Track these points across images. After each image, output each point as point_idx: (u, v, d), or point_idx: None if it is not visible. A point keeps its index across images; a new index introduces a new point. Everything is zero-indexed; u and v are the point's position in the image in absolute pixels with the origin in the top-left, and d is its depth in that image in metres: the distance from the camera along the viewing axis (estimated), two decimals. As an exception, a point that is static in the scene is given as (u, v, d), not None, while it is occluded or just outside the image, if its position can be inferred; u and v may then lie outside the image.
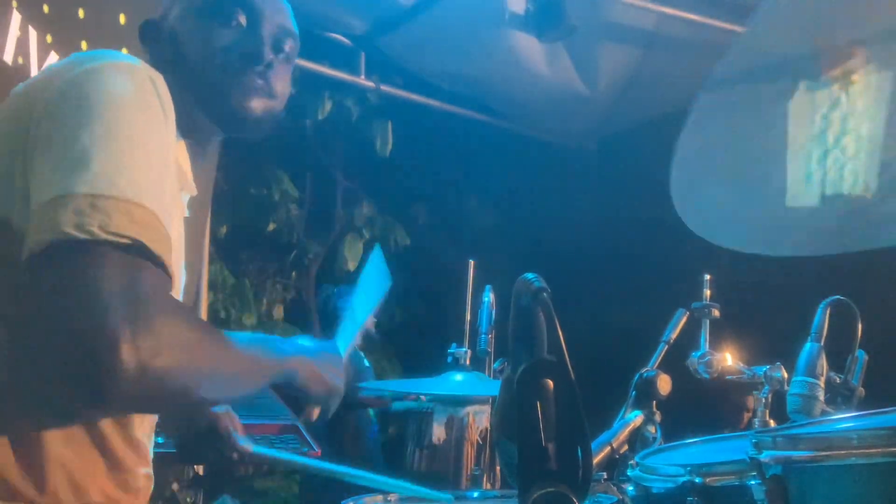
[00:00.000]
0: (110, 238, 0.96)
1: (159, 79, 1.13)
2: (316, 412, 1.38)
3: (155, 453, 1.32)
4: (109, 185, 0.98)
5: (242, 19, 1.31)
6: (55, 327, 0.96)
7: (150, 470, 1.27)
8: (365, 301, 1.65)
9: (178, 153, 1.25)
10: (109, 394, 0.95)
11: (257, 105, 1.30)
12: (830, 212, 1.45)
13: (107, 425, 1.15)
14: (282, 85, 1.34)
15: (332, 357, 1.37)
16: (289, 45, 1.36)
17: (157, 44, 1.35)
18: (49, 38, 2.64)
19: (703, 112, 1.49)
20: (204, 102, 1.28)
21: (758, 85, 1.44)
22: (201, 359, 1.04)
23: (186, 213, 1.32)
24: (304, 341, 1.34)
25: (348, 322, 1.58)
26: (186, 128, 1.26)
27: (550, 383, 0.77)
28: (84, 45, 2.80)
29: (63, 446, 1.10)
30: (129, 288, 0.95)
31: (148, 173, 1.04)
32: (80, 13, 2.81)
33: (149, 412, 1.20)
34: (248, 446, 1.59)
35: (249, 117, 1.30)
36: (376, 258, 1.69)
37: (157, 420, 1.31)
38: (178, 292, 1.26)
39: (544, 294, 0.84)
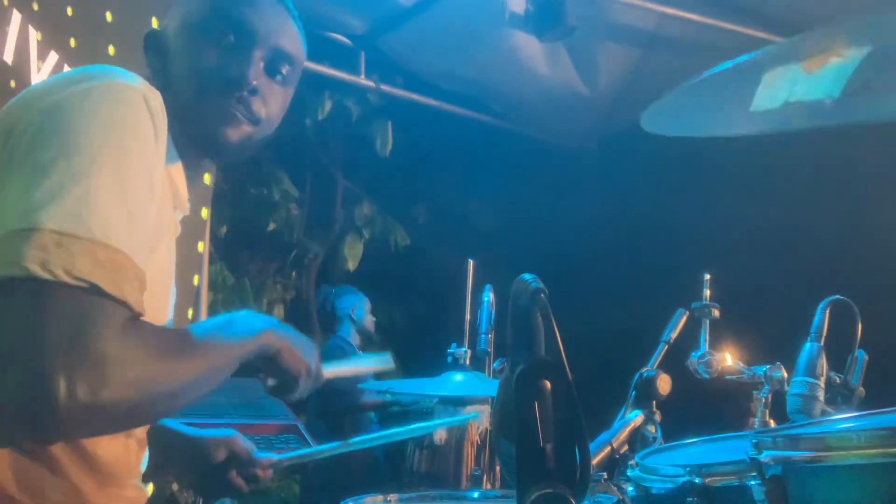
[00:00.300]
0: (70, 281, 0.94)
1: (155, 97, 1.11)
2: (271, 381, 1.32)
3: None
4: (78, 224, 0.96)
5: (232, 39, 1.25)
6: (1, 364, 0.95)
7: (139, 482, 1.26)
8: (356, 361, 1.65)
9: (173, 172, 1.23)
10: (48, 429, 0.95)
11: (233, 133, 1.25)
12: (788, 110, 1.48)
13: (87, 443, 1.14)
14: (269, 109, 1.29)
15: (306, 341, 1.32)
16: (285, 69, 1.30)
17: (153, 56, 1.30)
18: (39, 37, 2.64)
19: (682, 92, 1.51)
20: (182, 124, 1.22)
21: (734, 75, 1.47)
22: (158, 381, 1.02)
23: (178, 231, 1.31)
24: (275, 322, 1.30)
25: (337, 363, 1.54)
26: (181, 144, 1.24)
27: (548, 384, 0.77)
28: (72, 42, 2.81)
29: (47, 464, 1.10)
30: (78, 328, 0.94)
31: (124, 208, 1.01)
32: (69, 11, 2.81)
33: (101, 435, 1.15)
34: (269, 458, 1.60)
35: (224, 145, 1.26)
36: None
37: (145, 437, 1.31)
38: (166, 314, 1.25)
39: (542, 295, 0.84)
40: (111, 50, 2.93)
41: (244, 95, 1.24)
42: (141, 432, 1.28)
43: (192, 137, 1.25)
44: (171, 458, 1.52)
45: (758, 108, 1.50)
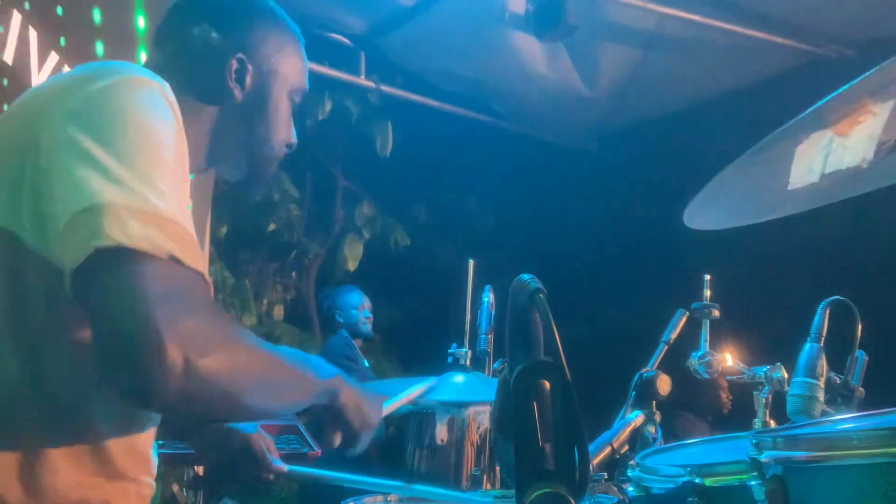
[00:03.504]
0: (156, 252, 0.97)
1: (170, 91, 1.14)
2: (338, 440, 1.34)
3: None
4: (143, 201, 0.99)
5: (297, 101, 1.40)
6: (102, 333, 0.97)
7: (151, 479, 1.27)
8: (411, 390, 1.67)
9: None
10: (157, 393, 0.95)
11: (272, 170, 1.42)
12: (826, 182, 1.46)
13: (110, 436, 1.15)
14: None
15: (374, 395, 1.36)
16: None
17: (220, 85, 1.32)
18: (36, 36, 2.65)
19: (718, 183, 1.51)
20: (250, 168, 1.37)
21: (770, 151, 1.45)
22: (247, 364, 1.05)
23: None
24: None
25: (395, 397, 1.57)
26: (202, 155, 1.31)
27: (547, 384, 0.77)
28: (63, 41, 2.81)
29: (65, 456, 1.10)
30: (175, 293, 0.96)
31: (173, 187, 1.04)
32: (60, 10, 2.82)
33: (195, 416, 1.19)
34: (283, 466, 1.61)
35: (265, 180, 1.42)
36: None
37: (156, 430, 1.32)
38: None
39: (540, 295, 0.83)
40: (100, 48, 2.94)
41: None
42: (154, 427, 1.29)
43: (249, 176, 1.39)
44: (189, 436, 1.56)
45: (795, 185, 1.48)
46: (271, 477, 1.61)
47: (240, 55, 1.32)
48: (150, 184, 1.01)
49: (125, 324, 0.94)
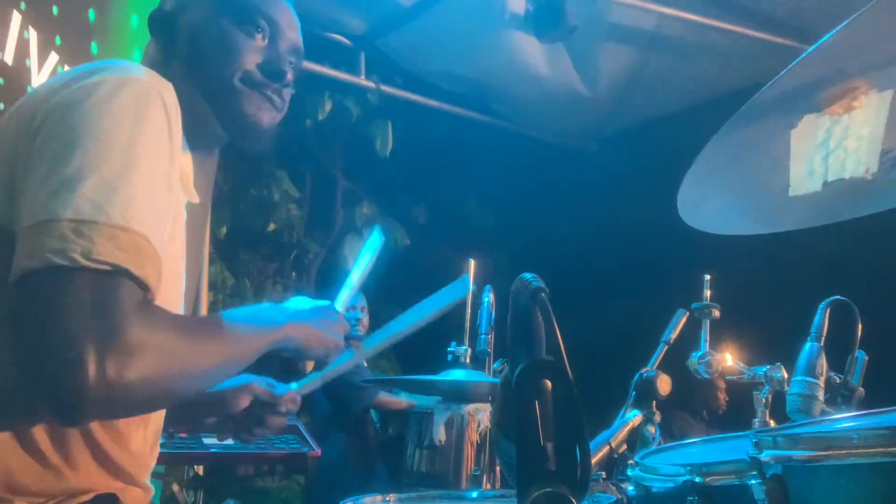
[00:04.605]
0: (91, 265, 0.96)
1: (168, 90, 1.12)
2: (310, 365, 1.41)
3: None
4: (96, 211, 0.98)
5: (265, 33, 1.32)
6: (28, 351, 0.97)
7: (148, 480, 1.27)
8: (356, 268, 1.69)
9: (182, 162, 1.24)
10: (79, 410, 0.96)
11: (267, 118, 1.32)
12: (829, 190, 1.46)
13: (104, 438, 1.15)
14: (286, 99, 1.37)
15: (328, 314, 1.40)
16: (295, 61, 1.38)
17: (171, 40, 1.32)
18: (28, 35, 2.65)
19: (708, 154, 1.49)
20: (219, 110, 1.29)
21: (759, 125, 1.44)
22: (181, 362, 1.04)
23: (184, 216, 1.32)
24: (299, 304, 1.37)
25: (343, 287, 1.61)
26: (194, 135, 1.26)
27: (549, 383, 0.77)
28: (58, 40, 2.81)
29: (60, 457, 1.11)
30: (102, 310, 0.96)
31: (141, 194, 1.02)
32: (55, 10, 2.82)
33: (127, 416, 1.19)
34: (292, 391, 1.59)
35: (259, 129, 1.32)
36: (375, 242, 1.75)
37: (160, 431, 1.32)
38: (180, 299, 1.26)
39: (542, 294, 0.83)
40: (94, 48, 2.94)
41: (280, 87, 1.32)
42: (156, 427, 1.29)
43: (225, 121, 1.31)
44: (196, 415, 1.54)
45: (797, 192, 1.47)
46: (292, 405, 1.58)
47: (158, 11, 1.34)
48: (112, 191, 1.00)
49: (47, 346, 0.94)
